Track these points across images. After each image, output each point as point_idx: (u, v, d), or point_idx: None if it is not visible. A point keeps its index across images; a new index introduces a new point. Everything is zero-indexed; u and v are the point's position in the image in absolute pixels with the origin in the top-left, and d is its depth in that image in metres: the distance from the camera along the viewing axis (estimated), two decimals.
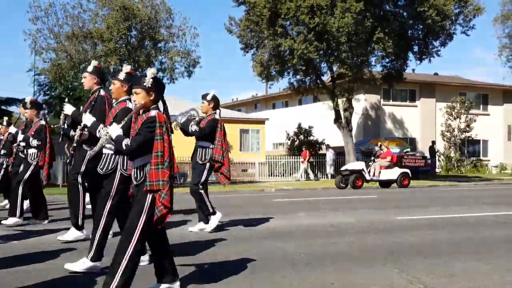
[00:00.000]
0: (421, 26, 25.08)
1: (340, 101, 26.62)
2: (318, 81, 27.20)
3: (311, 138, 32.75)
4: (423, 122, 36.20)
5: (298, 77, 26.93)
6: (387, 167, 20.79)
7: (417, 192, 18.88)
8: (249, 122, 34.45)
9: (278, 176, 28.46)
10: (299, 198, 16.26)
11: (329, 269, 5.72)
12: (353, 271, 5.61)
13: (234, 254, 6.54)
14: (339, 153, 29.09)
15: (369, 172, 20.42)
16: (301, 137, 32.91)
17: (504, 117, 38.85)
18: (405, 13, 25.16)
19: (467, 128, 34.87)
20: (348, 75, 24.43)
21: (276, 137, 38.47)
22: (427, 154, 33.48)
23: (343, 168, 21.35)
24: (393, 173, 20.85)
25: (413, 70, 35.08)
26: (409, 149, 25.78)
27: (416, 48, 26.16)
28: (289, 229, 8.77)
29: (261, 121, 34.65)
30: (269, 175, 28.48)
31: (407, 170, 21.33)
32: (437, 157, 34.04)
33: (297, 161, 29.04)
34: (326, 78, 28.73)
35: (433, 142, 33.10)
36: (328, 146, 27.65)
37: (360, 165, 20.93)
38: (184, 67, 24.30)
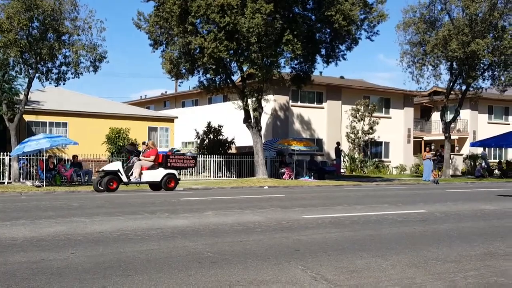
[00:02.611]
0: (328, 30, 25.79)
1: (249, 101, 26.80)
2: (228, 80, 27.24)
3: (221, 137, 32.75)
4: (329, 123, 37.29)
5: (208, 76, 26.82)
6: (151, 168, 19.09)
7: (323, 192, 19.38)
8: (158, 120, 33.93)
9: (187, 175, 28.21)
10: (207, 197, 16.16)
11: (236, 267, 5.68)
12: (259, 268, 5.60)
13: (140, 253, 6.37)
14: (248, 153, 29.33)
15: (131, 173, 18.78)
16: (211, 136, 32.82)
17: (404, 120, 40.89)
18: (313, 17, 25.77)
19: (370, 130, 36.39)
20: (258, 76, 24.64)
21: (185, 136, 38.15)
22: (333, 155, 34.63)
23: (100, 169, 19.62)
24: (157, 175, 19.14)
25: (321, 73, 36.19)
26: (179, 150, 23.52)
27: (323, 51, 26.86)
28: (196, 228, 8.66)
29: (170, 119, 34.23)
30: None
31: (174, 171, 19.62)
32: (342, 158, 35.20)
33: (206, 160, 28.95)
34: (236, 77, 28.88)
35: (338, 143, 34.19)
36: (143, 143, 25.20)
37: (116, 165, 19.03)
38: (89, 61, 23.45)
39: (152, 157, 19.17)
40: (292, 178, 27.71)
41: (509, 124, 44.37)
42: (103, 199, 15.14)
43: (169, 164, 19.54)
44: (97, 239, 7.44)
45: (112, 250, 6.64)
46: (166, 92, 55.05)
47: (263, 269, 5.57)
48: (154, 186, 19.43)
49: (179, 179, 20.32)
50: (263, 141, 27.88)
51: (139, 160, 18.98)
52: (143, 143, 20.28)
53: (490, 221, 10.00)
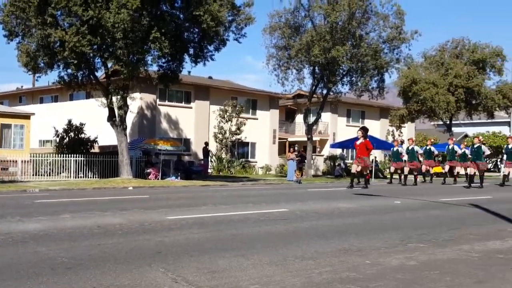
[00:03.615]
0: (197, 30, 25.69)
1: (114, 98, 25.89)
2: (91, 76, 26.12)
3: (83, 135, 31.34)
4: (197, 123, 37.30)
5: (69, 70, 25.39)
6: None
7: (189, 192, 19.28)
8: (12, 116, 31.46)
9: (44, 175, 26.61)
10: (65, 198, 15.32)
11: (93, 272, 5.41)
12: (118, 273, 5.39)
13: None
14: (113, 152, 28.39)
15: None
16: (71, 134, 31.27)
17: (270, 121, 42.11)
18: (181, 16, 25.51)
19: (238, 131, 36.98)
20: (123, 73, 23.87)
21: (43, 134, 35.98)
22: (201, 155, 34.66)
23: None
24: None
25: (189, 72, 35.94)
26: None
27: (192, 51, 26.69)
28: (51, 232, 8.13)
29: (26, 116, 31.95)
30: (33, 175, 26.43)
31: None
32: (209, 158, 35.36)
33: (66, 160, 27.50)
34: (101, 74, 27.77)
35: (206, 143, 34.29)
36: None
37: None
38: None
39: None
40: (158, 179, 27.27)
41: None
42: None
43: None
44: None
45: None
46: (22, 86, 51.48)
47: (122, 273, 5.36)
48: None
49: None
50: (128, 141, 27.10)
51: None
52: None
53: (346, 219, 10.54)
